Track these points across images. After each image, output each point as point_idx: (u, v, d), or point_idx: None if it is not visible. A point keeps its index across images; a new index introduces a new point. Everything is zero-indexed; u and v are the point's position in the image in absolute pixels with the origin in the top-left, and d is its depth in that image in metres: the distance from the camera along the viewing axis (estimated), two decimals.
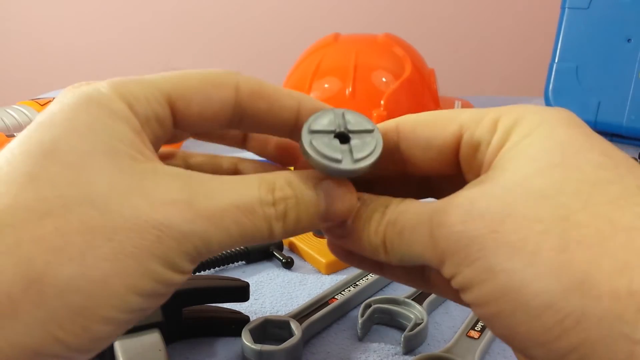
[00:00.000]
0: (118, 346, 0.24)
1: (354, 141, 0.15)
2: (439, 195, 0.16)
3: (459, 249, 0.13)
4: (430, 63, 0.77)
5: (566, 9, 0.61)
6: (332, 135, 0.15)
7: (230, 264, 0.35)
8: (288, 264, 0.35)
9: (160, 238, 0.13)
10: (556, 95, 0.62)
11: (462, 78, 1.40)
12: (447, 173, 0.16)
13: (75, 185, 0.12)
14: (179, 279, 0.13)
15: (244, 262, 0.35)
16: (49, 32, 1.58)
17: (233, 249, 0.35)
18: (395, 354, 0.27)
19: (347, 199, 0.15)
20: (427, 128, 0.16)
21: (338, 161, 0.15)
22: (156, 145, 0.15)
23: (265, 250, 0.35)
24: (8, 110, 0.56)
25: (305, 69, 0.73)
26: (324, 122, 0.15)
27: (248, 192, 0.14)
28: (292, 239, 0.37)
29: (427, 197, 0.19)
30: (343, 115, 0.16)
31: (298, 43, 0.97)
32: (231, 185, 0.14)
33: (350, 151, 0.15)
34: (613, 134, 0.60)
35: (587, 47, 0.60)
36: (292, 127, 0.16)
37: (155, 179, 0.13)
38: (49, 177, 0.12)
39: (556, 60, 0.62)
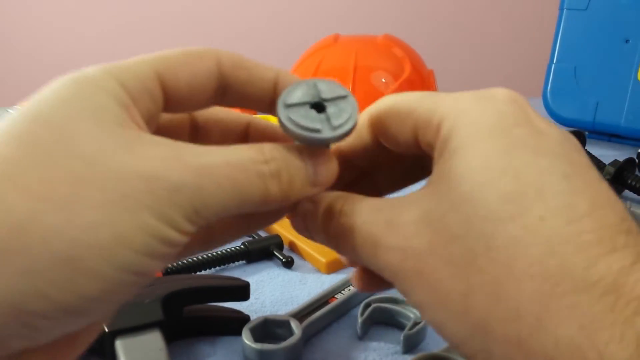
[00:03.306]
0: (119, 345, 0.24)
1: (330, 109, 0.15)
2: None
3: (397, 281, 0.15)
4: (429, 64, 0.77)
5: (564, 10, 0.62)
6: (308, 106, 0.15)
7: (231, 264, 0.35)
8: (288, 264, 0.35)
9: (150, 188, 0.12)
10: (554, 96, 0.63)
11: (461, 79, 1.40)
12: (427, 154, 0.17)
13: (61, 142, 0.12)
14: (177, 238, 0.13)
15: (244, 261, 0.35)
16: (50, 32, 1.58)
17: (233, 248, 0.35)
18: (395, 353, 0.27)
19: (330, 164, 0.16)
20: (393, 122, 0.16)
21: (318, 131, 0.15)
22: (150, 122, 0.15)
23: (266, 250, 0.35)
24: (9, 111, 0.56)
25: (305, 69, 0.73)
26: (298, 94, 0.15)
27: (238, 151, 0.14)
28: (293, 238, 0.37)
29: (421, 172, 0.19)
30: (315, 85, 0.16)
31: (298, 44, 0.97)
32: (220, 149, 0.14)
33: (328, 119, 0.15)
34: (611, 134, 0.61)
35: (585, 48, 0.60)
36: (271, 99, 0.17)
37: (142, 142, 0.13)
38: (34, 137, 0.12)
39: (554, 61, 0.62)
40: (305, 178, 0.15)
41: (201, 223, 0.13)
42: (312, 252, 0.35)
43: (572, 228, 0.12)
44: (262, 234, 0.39)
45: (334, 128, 0.15)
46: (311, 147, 0.16)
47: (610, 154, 0.55)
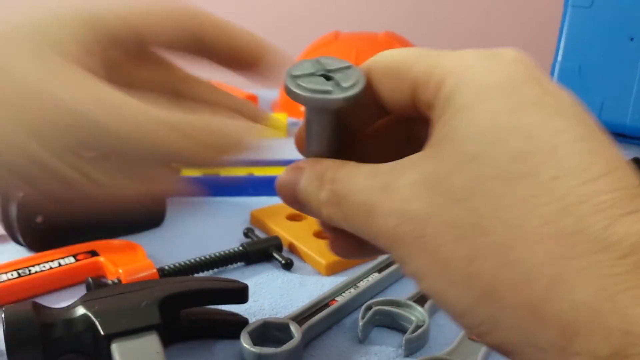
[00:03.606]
0: (115, 348, 0.24)
1: (337, 75, 0.16)
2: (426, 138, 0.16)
3: (394, 248, 0.14)
4: None
5: (569, 7, 0.61)
6: (315, 76, 0.16)
7: (229, 265, 0.35)
8: (288, 265, 0.34)
9: (44, 106, 0.14)
10: None
11: None
12: (422, 115, 0.16)
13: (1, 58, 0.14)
14: (43, 158, 0.14)
15: (243, 263, 0.35)
16: None
17: (231, 250, 0.34)
18: (397, 356, 0.27)
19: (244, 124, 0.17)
20: (389, 79, 0.16)
21: (329, 92, 0.15)
22: (115, 68, 0.16)
23: (265, 252, 0.35)
24: None
25: None
26: (303, 67, 0.16)
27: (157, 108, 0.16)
28: (292, 240, 0.37)
29: (415, 141, 0.18)
30: (318, 60, 0.16)
31: (298, 41, 0.97)
32: (144, 103, 0.15)
33: (337, 84, 0.15)
34: (616, 133, 0.60)
35: (590, 46, 0.60)
36: (248, 64, 0.17)
37: (73, 74, 0.15)
38: None
39: (559, 59, 0.62)
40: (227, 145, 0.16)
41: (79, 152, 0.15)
42: (312, 254, 0.35)
43: (588, 188, 0.12)
44: (261, 235, 0.38)
45: (345, 89, 0.15)
46: (323, 117, 0.16)
47: None
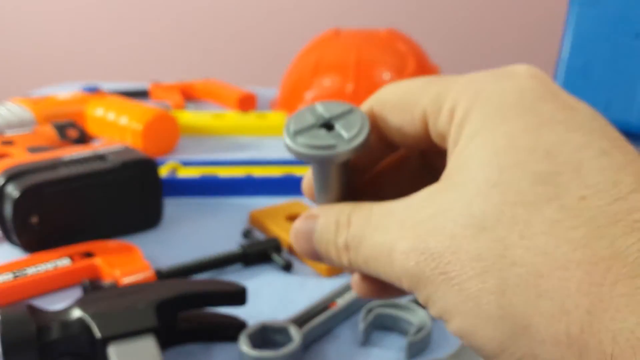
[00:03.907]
0: (112, 351, 0.23)
1: (339, 124, 0.15)
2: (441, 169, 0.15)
3: (418, 288, 0.13)
4: (435, 59, 0.76)
5: (574, 5, 0.61)
6: (316, 128, 0.15)
7: (227, 267, 0.34)
8: (287, 267, 0.34)
9: None
10: None
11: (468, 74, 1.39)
12: (437, 146, 0.16)
13: None
14: None
15: (241, 264, 0.35)
16: (42, 28, 1.57)
17: (230, 252, 0.34)
18: (398, 359, 0.26)
19: None
20: (396, 114, 0.15)
21: (333, 146, 0.14)
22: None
23: (264, 253, 0.35)
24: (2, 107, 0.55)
25: (305, 65, 0.72)
26: (302, 120, 0.15)
27: None
28: None
29: (430, 172, 0.18)
30: (316, 107, 0.15)
31: (298, 38, 0.96)
32: None
33: (340, 134, 0.15)
34: (622, 131, 0.60)
35: (595, 44, 0.60)
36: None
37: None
38: None
39: (564, 57, 0.61)
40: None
41: None
42: None
43: (620, 206, 0.11)
44: (260, 236, 0.38)
45: (349, 140, 0.14)
46: (329, 170, 0.15)
47: None
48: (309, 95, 0.70)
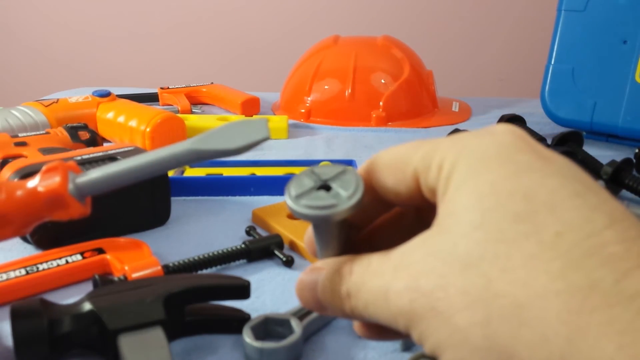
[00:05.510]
0: (122, 342, 0.24)
1: (335, 184, 0.16)
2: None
3: (412, 326, 0.14)
4: (428, 64, 0.78)
5: (562, 11, 0.62)
6: (314, 190, 0.16)
7: (232, 263, 0.35)
8: (289, 263, 0.35)
9: None
10: (552, 97, 0.63)
11: (459, 79, 1.40)
12: (428, 201, 0.16)
13: None
14: None
15: (245, 260, 0.35)
16: (52, 33, 1.58)
17: (234, 247, 0.35)
18: (394, 351, 0.27)
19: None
20: (390, 174, 0.16)
21: (333, 206, 0.15)
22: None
23: (266, 249, 0.35)
24: (12, 111, 0.56)
25: (305, 70, 0.73)
26: (301, 184, 0.16)
27: None
28: (293, 237, 0.37)
29: (424, 226, 0.19)
30: (312, 171, 0.16)
31: (298, 45, 0.97)
32: None
33: (338, 194, 0.16)
34: (609, 135, 0.61)
35: (583, 48, 0.61)
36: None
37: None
38: None
39: (552, 62, 0.63)
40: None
41: None
42: None
43: (594, 241, 0.12)
44: (263, 233, 0.39)
45: (348, 198, 0.15)
46: (331, 227, 0.16)
47: (607, 154, 0.55)
48: (309, 99, 0.71)
